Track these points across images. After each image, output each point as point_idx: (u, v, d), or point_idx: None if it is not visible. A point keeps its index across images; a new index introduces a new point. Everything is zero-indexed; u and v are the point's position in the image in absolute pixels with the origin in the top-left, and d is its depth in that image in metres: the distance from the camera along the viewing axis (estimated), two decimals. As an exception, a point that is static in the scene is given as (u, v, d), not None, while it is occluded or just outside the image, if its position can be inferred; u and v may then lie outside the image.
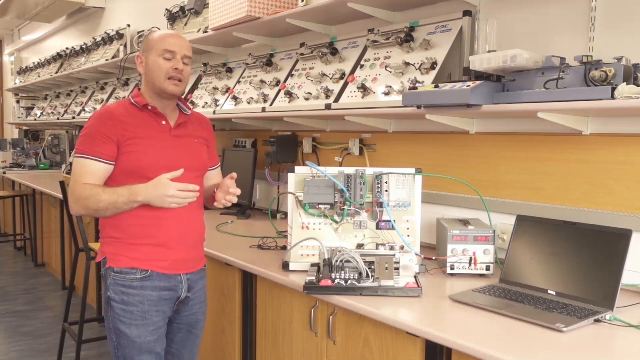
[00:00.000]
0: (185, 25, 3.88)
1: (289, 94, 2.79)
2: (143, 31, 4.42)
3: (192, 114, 2.07)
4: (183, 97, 2.08)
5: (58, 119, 6.18)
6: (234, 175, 1.99)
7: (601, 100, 1.59)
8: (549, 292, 1.71)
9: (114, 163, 1.88)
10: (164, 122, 1.96)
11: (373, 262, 1.82)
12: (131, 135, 1.89)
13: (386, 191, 2.00)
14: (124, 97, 4.83)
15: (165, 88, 1.91)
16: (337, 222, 2.02)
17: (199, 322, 2.08)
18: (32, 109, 7.75)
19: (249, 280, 2.26)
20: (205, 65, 3.79)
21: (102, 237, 1.97)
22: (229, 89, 3.43)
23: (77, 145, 1.92)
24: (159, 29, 4.44)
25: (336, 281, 1.77)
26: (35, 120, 7.14)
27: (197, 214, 2.01)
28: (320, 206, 2.02)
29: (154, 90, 1.94)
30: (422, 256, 2.01)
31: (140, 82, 2.11)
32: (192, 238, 1.99)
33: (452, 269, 1.96)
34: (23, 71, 8.07)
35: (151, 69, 1.92)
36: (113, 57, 4.96)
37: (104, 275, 1.93)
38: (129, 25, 4.97)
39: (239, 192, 1.97)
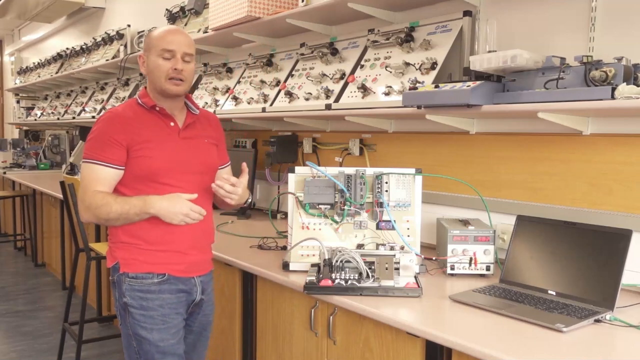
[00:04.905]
0: (185, 25, 3.88)
1: (289, 94, 2.79)
2: (143, 31, 4.42)
3: (200, 113, 2.01)
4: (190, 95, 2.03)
5: (58, 119, 6.18)
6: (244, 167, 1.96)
7: (601, 100, 1.59)
8: (549, 292, 1.71)
9: (123, 168, 1.84)
10: (172, 124, 1.91)
11: (373, 262, 1.82)
12: (141, 138, 1.84)
13: (386, 191, 2.00)
14: (124, 97, 4.84)
15: (166, 89, 1.86)
16: (337, 222, 2.02)
17: (209, 324, 2.07)
18: (32, 109, 7.75)
19: (249, 280, 2.26)
20: (205, 65, 3.79)
21: (112, 242, 1.91)
22: (229, 89, 3.43)
23: (85, 150, 1.85)
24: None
25: (336, 281, 1.77)
26: (35, 120, 7.15)
27: (208, 218, 1.97)
28: (320, 206, 2.02)
29: (157, 91, 1.90)
30: (422, 256, 2.01)
31: (141, 82, 2.10)
32: (205, 242, 1.99)
33: (452, 269, 1.96)
34: (23, 71, 8.07)
35: (151, 69, 1.87)
36: (113, 57, 4.96)
37: (117, 281, 1.87)
38: (129, 25, 4.97)
39: (235, 180, 1.91)
